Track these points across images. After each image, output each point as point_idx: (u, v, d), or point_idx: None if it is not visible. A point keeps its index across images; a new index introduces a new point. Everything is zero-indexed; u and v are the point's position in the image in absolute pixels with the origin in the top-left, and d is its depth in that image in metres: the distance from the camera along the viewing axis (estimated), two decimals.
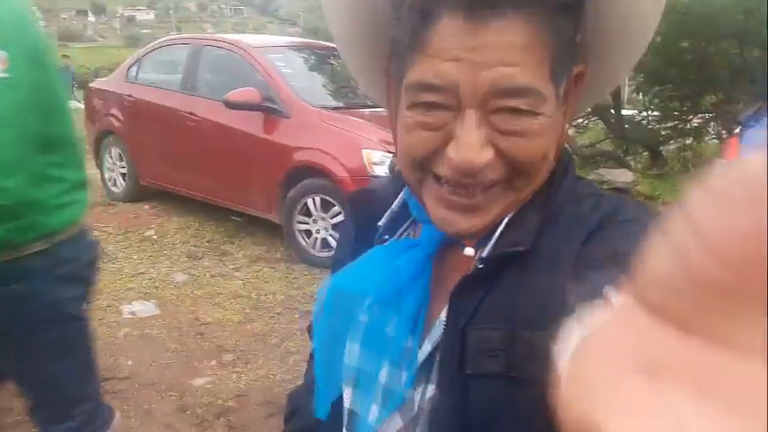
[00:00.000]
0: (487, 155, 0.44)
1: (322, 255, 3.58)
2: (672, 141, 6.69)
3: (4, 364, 1.28)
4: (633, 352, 0.12)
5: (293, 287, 3.34)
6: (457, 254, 0.51)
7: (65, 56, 16.28)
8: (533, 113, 0.44)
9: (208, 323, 2.88)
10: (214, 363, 2.53)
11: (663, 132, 6.50)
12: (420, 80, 0.44)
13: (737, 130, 3.51)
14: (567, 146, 0.54)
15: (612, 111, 6.26)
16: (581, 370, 0.13)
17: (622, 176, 5.42)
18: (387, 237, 0.57)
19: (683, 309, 0.12)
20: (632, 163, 6.46)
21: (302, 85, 3.99)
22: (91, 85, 5.54)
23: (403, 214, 0.57)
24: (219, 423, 2.15)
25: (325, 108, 3.78)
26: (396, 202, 0.57)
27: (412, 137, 0.46)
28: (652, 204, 4.72)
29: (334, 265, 0.62)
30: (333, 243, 3.55)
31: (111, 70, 6.81)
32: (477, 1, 0.41)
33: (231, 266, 3.63)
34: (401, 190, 0.57)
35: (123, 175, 4.87)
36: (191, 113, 4.20)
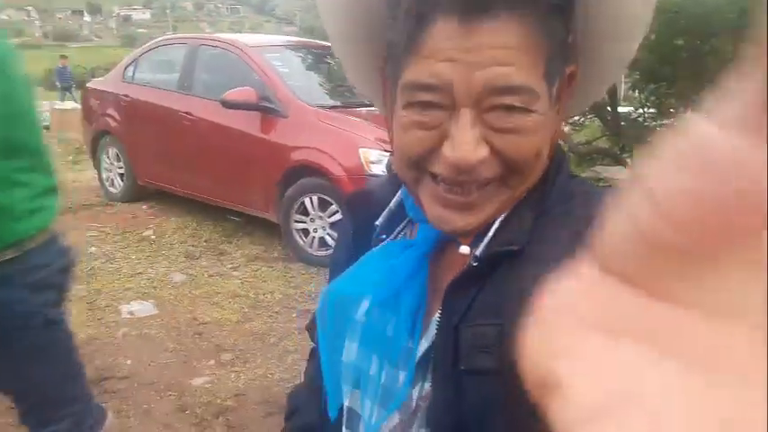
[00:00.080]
0: (482, 152, 0.45)
1: (319, 254, 3.59)
2: None
3: None
4: (594, 313, 0.13)
5: (291, 286, 3.34)
6: (453, 253, 0.52)
7: (63, 56, 16.20)
8: (527, 111, 0.44)
9: (206, 323, 2.89)
10: (212, 362, 2.54)
11: (659, 129, 6.52)
12: (415, 80, 0.45)
13: None
14: (561, 144, 0.55)
15: (609, 108, 6.27)
16: (544, 331, 0.13)
17: (619, 174, 5.44)
18: (384, 236, 0.57)
19: (640, 271, 0.13)
20: (629, 160, 6.47)
21: (299, 84, 3.99)
22: (87, 85, 5.53)
23: (400, 214, 0.57)
24: (218, 422, 2.15)
25: (322, 107, 3.78)
26: (393, 202, 0.58)
27: (408, 136, 0.47)
28: None
29: (332, 264, 0.63)
30: (330, 242, 3.55)
31: (107, 70, 6.80)
32: (472, 4, 0.42)
33: (229, 266, 3.63)
34: (398, 190, 0.58)
35: (121, 175, 4.87)
36: (187, 113, 4.20)
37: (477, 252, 0.49)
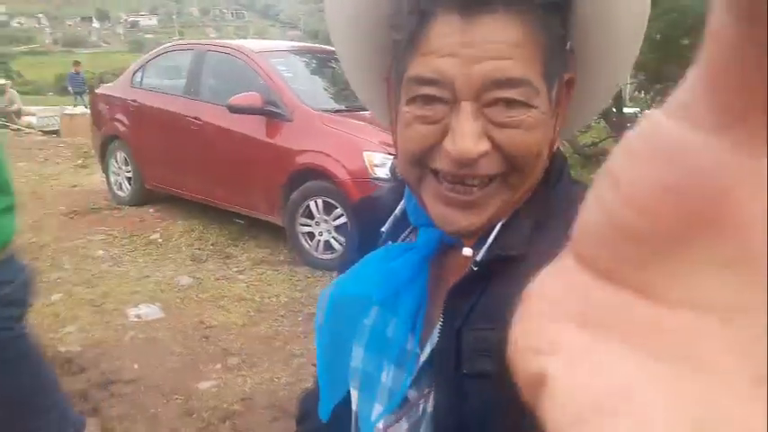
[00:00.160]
0: (483, 146, 0.45)
1: (325, 257, 3.60)
2: None
3: None
4: (575, 307, 0.13)
5: (296, 289, 3.35)
6: (456, 257, 0.52)
7: (77, 62, 16.39)
8: (527, 105, 0.45)
9: (213, 326, 2.90)
10: (219, 366, 2.54)
11: None
12: (417, 75, 0.46)
13: None
14: (561, 150, 0.55)
15: (614, 110, 6.26)
16: (529, 326, 0.14)
17: None
18: (390, 243, 0.58)
19: (609, 259, 0.13)
20: None
21: (304, 88, 4.01)
22: (96, 90, 5.58)
23: (405, 221, 0.58)
24: (225, 427, 2.16)
25: (327, 111, 3.80)
26: (398, 209, 0.58)
27: (410, 131, 0.48)
28: None
29: (340, 269, 0.63)
30: (335, 245, 3.56)
31: (115, 75, 6.86)
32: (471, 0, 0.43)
33: (235, 269, 3.65)
34: (403, 197, 0.58)
35: (129, 179, 4.90)
36: (194, 118, 4.22)
37: (478, 257, 0.49)
